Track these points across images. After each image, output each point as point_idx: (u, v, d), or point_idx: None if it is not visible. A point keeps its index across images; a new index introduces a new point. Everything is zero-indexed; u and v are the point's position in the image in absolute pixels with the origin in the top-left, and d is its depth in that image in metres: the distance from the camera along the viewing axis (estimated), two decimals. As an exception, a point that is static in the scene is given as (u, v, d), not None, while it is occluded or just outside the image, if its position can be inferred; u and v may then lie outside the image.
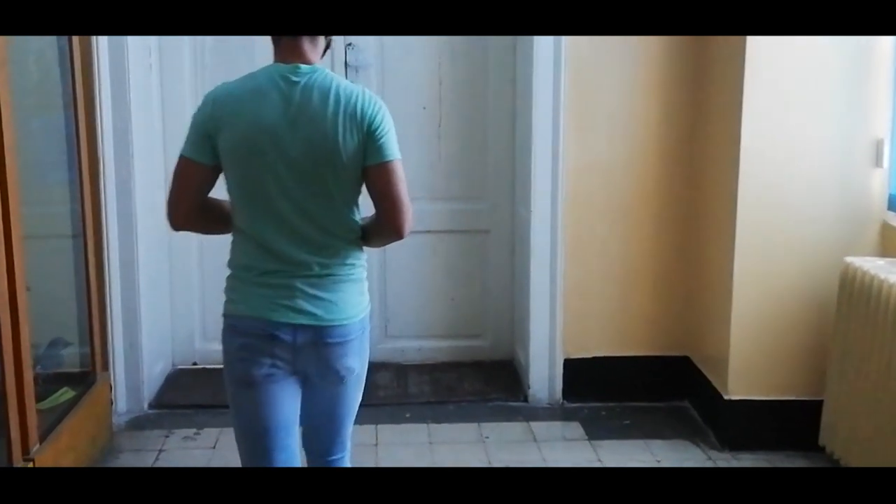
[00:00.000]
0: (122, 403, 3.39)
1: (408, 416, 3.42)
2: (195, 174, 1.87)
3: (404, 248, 3.56)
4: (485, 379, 3.75)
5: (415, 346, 3.88)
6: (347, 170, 1.82)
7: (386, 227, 1.89)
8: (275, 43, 1.89)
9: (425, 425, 3.33)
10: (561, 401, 3.49)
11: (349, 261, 1.89)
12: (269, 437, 1.92)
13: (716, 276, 3.17)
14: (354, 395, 2.00)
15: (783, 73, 2.91)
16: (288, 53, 1.86)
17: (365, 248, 1.94)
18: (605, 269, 3.42)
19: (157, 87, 3.62)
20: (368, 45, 3.64)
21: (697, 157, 3.34)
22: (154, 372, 3.58)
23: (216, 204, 1.95)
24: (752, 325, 3.01)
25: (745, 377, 3.04)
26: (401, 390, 3.65)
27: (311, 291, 1.85)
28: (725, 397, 3.07)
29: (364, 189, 1.88)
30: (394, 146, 1.86)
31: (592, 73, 3.30)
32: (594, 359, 3.47)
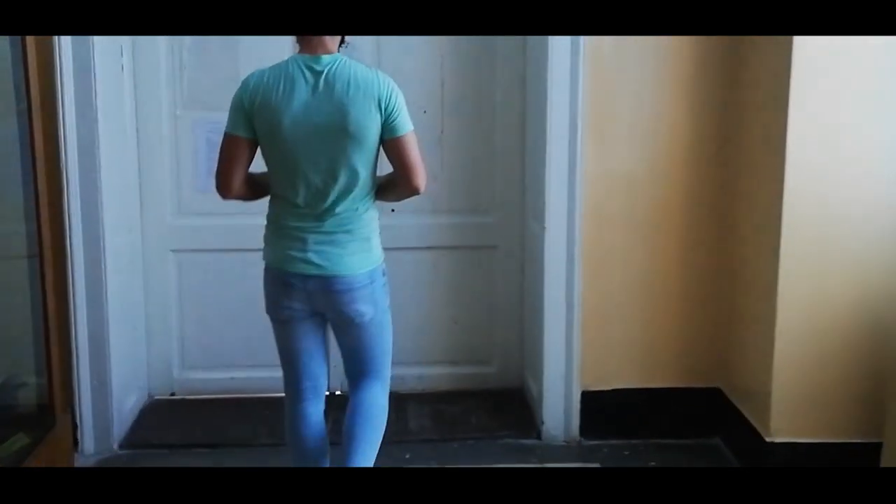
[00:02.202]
0: (89, 444, 3.05)
1: (408, 456, 3.07)
2: (241, 148, 2.21)
3: (402, 265, 3.27)
4: (493, 411, 3.40)
5: (414, 374, 3.54)
6: (367, 143, 2.16)
7: (404, 188, 2.26)
8: (298, 37, 2.19)
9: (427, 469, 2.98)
10: (578, 438, 3.15)
11: (358, 221, 2.23)
12: (297, 361, 2.36)
13: (755, 300, 2.83)
14: (377, 334, 2.36)
15: (833, 73, 2.57)
16: (312, 45, 2.17)
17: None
18: (627, 290, 3.08)
19: (129, 91, 3.28)
20: (364, 43, 3.30)
21: (732, 165, 3.00)
22: (126, 407, 3.23)
23: (255, 174, 2.29)
24: (799, 355, 2.67)
25: (790, 416, 2.69)
26: (399, 425, 3.29)
27: (322, 246, 2.20)
28: (767, 439, 2.72)
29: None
30: (407, 120, 2.21)
31: (614, 72, 2.96)
32: (615, 391, 3.13)
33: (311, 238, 2.20)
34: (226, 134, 2.21)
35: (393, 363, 3.46)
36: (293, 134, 2.13)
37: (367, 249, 2.26)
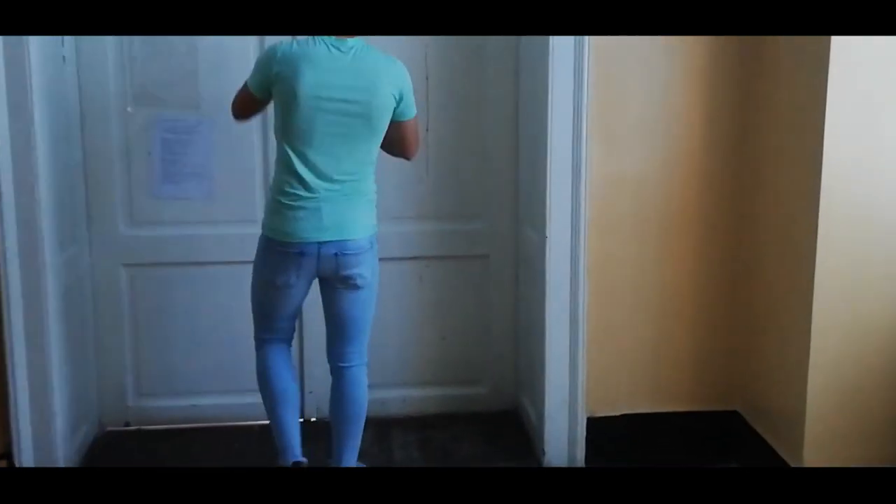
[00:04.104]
0: (30, 488, 2.66)
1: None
2: (253, 102, 2.46)
3: (384, 277, 3.00)
4: (487, 437, 3.10)
5: (398, 397, 3.23)
6: (381, 124, 2.36)
7: (398, 154, 2.55)
8: None
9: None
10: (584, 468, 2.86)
11: (366, 188, 2.42)
12: (280, 316, 2.50)
13: (783, 316, 2.57)
14: (369, 299, 2.50)
15: (874, 74, 2.32)
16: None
17: None
18: (636, 305, 2.82)
19: (73, 85, 2.90)
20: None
21: (754, 167, 2.74)
22: (74, 442, 2.85)
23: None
24: (836, 377, 2.42)
25: (826, 443, 2.44)
26: (383, 455, 2.98)
27: (335, 212, 2.35)
28: (794, 465, 2.46)
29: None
30: (413, 105, 2.46)
31: (621, 68, 2.69)
32: (624, 416, 2.87)
33: (324, 206, 2.33)
34: (245, 84, 2.43)
35: (375, 386, 3.23)
36: (314, 106, 2.28)
37: (371, 214, 2.43)
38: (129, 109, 2.95)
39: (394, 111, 2.37)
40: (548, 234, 2.77)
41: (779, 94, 2.59)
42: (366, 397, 2.58)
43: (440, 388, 3.24)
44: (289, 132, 2.33)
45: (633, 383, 2.85)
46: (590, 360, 2.81)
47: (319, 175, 2.33)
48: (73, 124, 2.90)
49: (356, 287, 2.44)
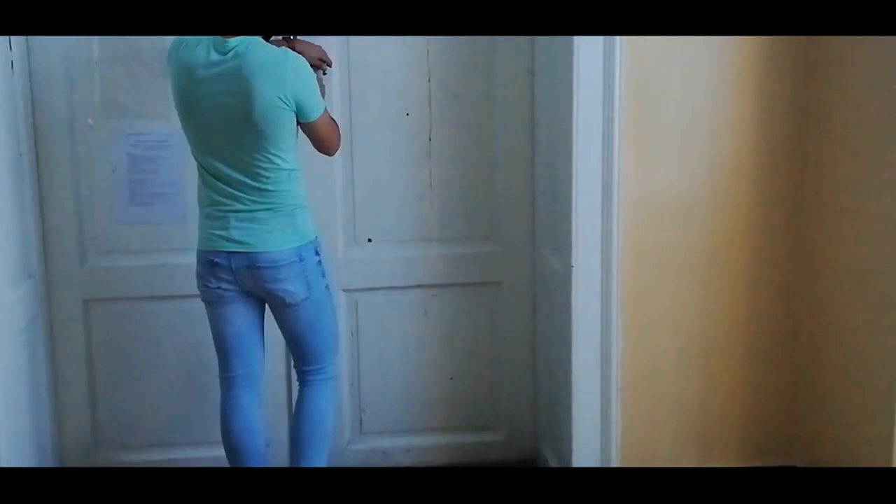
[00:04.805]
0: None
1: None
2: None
3: (382, 309, 2.79)
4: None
5: (401, 446, 2.90)
6: (270, 126, 2.18)
7: (321, 152, 2.40)
8: None
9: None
10: (619, 533, 2.51)
11: (281, 198, 2.26)
12: (228, 344, 2.37)
13: (860, 356, 2.25)
14: (314, 317, 2.35)
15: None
16: None
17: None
18: (679, 346, 2.50)
19: (23, 95, 2.57)
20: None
21: (814, 186, 2.43)
22: None
23: None
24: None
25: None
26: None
27: (243, 224, 2.25)
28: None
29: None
30: (317, 104, 2.26)
31: (659, 65, 2.37)
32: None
33: (233, 216, 2.24)
34: None
35: (374, 434, 2.90)
36: (193, 114, 2.21)
37: (292, 225, 2.29)
38: (89, 121, 2.66)
39: (293, 113, 2.21)
40: (574, 263, 2.43)
41: (845, 98, 2.27)
42: (327, 417, 2.44)
43: (449, 434, 2.92)
44: (188, 140, 2.29)
45: (674, 435, 2.53)
46: (624, 409, 2.49)
47: (225, 182, 2.24)
48: (23, 140, 2.57)
49: (288, 305, 2.32)
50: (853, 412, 2.28)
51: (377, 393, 2.87)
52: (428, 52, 2.70)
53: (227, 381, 2.39)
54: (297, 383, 2.45)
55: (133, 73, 2.63)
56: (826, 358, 2.41)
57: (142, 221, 2.69)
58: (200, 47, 2.18)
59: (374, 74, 2.71)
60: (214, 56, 2.16)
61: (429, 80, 2.72)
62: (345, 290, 2.76)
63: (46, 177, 2.64)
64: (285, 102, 2.16)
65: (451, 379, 2.88)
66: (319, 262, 2.32)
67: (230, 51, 2.15)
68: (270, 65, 2.14)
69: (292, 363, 2.52)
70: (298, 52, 2.30)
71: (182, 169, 2.65)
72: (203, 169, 2.27)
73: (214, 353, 2.44)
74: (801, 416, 2.52)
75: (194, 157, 2.29)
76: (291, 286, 2.28)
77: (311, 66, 2.33)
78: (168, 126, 2.62)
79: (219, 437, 2.43)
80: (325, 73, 2.55)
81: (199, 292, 2.36)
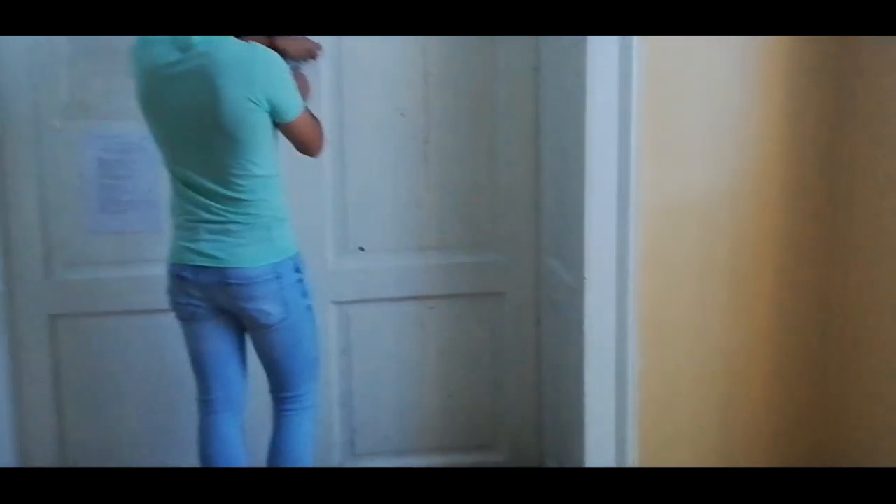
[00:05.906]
0: None
1: None
2: None
3: (377, 322, 2.65)
4: (506, 518, 2.57)
5: (397, 468, 2.69)
6: (242, 129, 2.00)
7: (303, 153, 2.21)
8: None
9: None
10: (635, 565, 2.35)
11: (256, 208, 2.08)
12: (205, 364, 2.22)
13: (889, 379, 2.08)
14: (291, 340, 2.18)
15: None
16: None
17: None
18: (700, 364, 2.32)
19: None
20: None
21: (846, 192, 2.26)
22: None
23: None
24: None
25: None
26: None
27: (213, 237, 2.08)
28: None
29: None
30: (293, 104, 2.07)
31: (680, 65, 2.20)
32: (684, 497, 2.36)
33: (203, 227, 2.08)
34: None
35: (367, 455, 2.72)
36: (157, 118, 2.07)
37: (268, 239, 2.11)
38: (55, 123, 2.47)
39: (266, 114, 2.02)
40: (586, 276, 2.25)
41: (883, 101, 2.11)
42: (305, 448, 2.27)
43: (447, 455, 2.76)
44: (157, 145, 2.12)
45: (696, 456, 2.36)
46: (642, 432, 2.32)
47: (195, 191, 2.07)
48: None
49: (262, 326, 2.15)
50: (885, 441, 2.13)
51: (370, 412, 2.71)
52: (425, 48, 2.53)
53: (206, 404, 2.22)
54: (273, 411, 2.26)
55: (103, 70, 2.45)
56: (858, 382, 2.25)
57: (113, 230, 2.51)
58: (161, 45, 1.99)
59: (367, 70, 2.53)
60: (175, 55, 1.97)
61: (425, 79, 2.56)
62: (335, 303, 2.59)
63: (11, 184, 2.45)
64: (256, 103, 1.97)
65: (450, 396, 2.74)
66: (300, 280, 2.15)
67: (192, 48, 1.96)
68: (237, 62, 1.96)
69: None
70: (280, 49, 2.12)
71: (156, 173, 2.45)
72: (173, 176, 2.10)
73: (190, 371, 2.26)
74: (828, 443, 2.36)
75: (164, 164, 2.12)
76: (266, 306, 2.10)
77: (301, 58, 2.16)
78: (141, 128, 2.39)
79: (197, 462, 2.27)
80: (314, 60, 2.37)
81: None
